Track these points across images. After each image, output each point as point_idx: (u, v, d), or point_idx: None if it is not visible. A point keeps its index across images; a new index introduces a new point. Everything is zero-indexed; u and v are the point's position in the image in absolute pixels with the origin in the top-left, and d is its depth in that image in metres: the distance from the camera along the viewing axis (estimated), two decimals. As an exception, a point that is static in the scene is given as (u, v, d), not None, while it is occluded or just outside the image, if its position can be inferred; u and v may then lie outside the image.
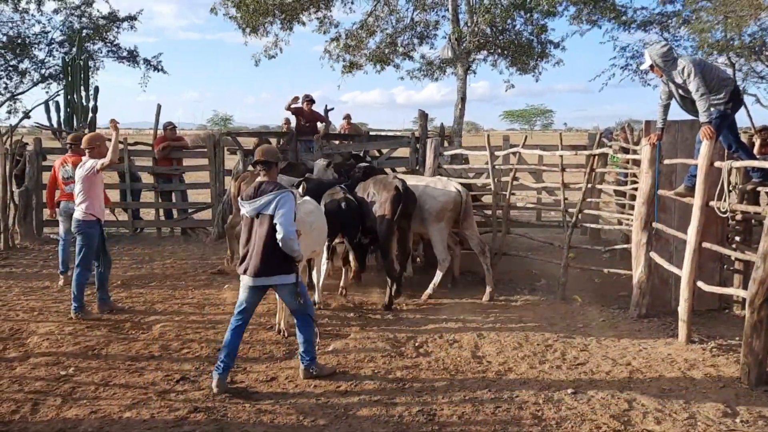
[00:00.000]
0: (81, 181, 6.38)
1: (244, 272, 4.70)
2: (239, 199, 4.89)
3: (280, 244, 4.55)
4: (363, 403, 4.37)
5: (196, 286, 7.72)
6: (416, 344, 5.57)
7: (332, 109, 12.12)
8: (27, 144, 11.42)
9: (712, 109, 5.54)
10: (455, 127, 12.67)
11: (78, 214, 6.40)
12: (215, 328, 6.01)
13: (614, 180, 9.58)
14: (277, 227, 4.54)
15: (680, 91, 5.81)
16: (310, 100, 11.34)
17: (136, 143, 11.98)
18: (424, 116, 10.26)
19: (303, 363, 4.83)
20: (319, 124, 11.54)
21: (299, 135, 11.27)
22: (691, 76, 5.49)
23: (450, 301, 7.02)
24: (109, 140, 6.31)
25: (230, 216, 8.43)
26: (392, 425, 4.05)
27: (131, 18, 15.80)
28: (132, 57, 15.85)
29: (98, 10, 15.54)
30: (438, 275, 7.22)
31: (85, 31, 14.89)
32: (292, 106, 11.41)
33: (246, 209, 4.72)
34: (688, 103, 5.82)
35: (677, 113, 6.13)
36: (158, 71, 15.92)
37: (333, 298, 7.12)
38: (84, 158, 6.53)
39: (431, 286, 7.20)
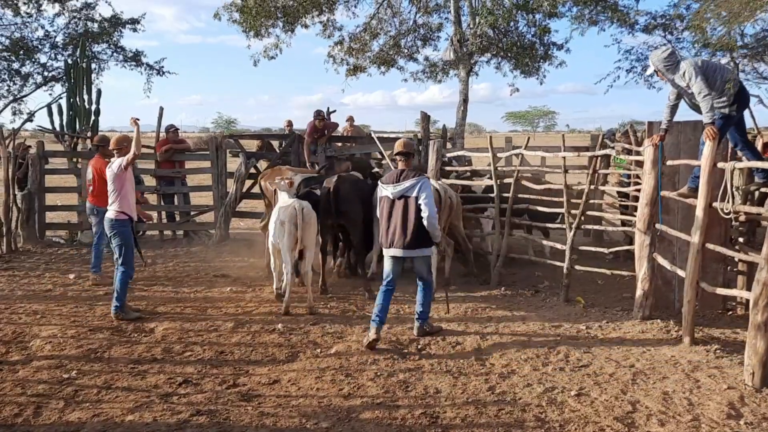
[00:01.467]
0: (111, 180, 6.47)
1: (390, 246, 5.50)
2: (379, 182, 5.73)
3: (425, 223, 5.38)
4: (366, 405, 4.36)
5: (199, 288, 7.72)
6: (419, 346, 5.56)
7: (334, 111, 12.13)
8: (30, 147, 11.44)
9: (715, 110, 5.51)
10: (457, 128, 12.65)
11: (110, 213, 6.48)
12: (218, 330, 6.00)
13: (617, 181, 9.55)
14: (423, 208, 5.37)
15: (688, 92, 5.80)
16: (322, 118, 11.40)
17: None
18: (426, 118, 10.24)
19: (417, 321, 5.72)
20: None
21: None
22: (692, 80, 5.48)
23: (452, 303, 7.00)
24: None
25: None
26: (395, 428, 4.04)
27: (134, 21, 15.80)
28: (136, 59, 15.85)
29: (100, 14, 15.54)
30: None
31: (89, 34, 14.90)
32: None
33: (389, 192, 5.54)
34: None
35: (684, 113, 6.13)
36: (161, 75, 15.93)
37: (334, 299, 7.13)
38: (113, 159, 6.62)
39: None
